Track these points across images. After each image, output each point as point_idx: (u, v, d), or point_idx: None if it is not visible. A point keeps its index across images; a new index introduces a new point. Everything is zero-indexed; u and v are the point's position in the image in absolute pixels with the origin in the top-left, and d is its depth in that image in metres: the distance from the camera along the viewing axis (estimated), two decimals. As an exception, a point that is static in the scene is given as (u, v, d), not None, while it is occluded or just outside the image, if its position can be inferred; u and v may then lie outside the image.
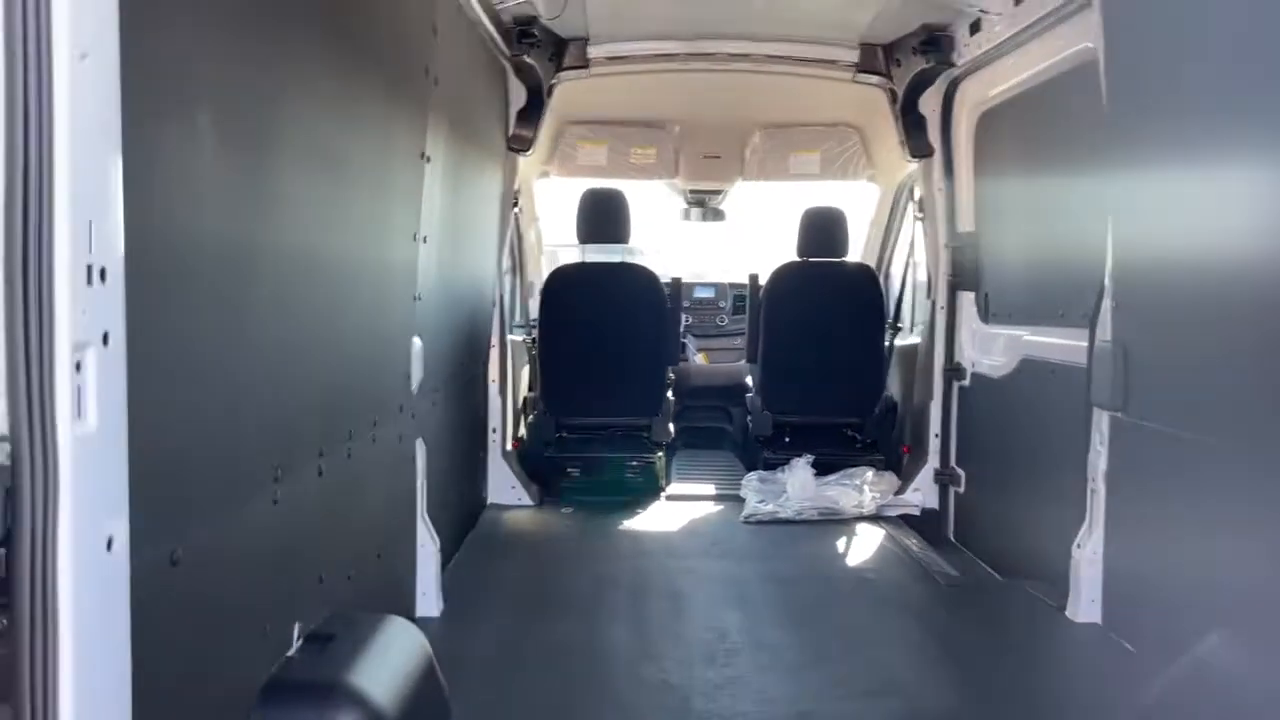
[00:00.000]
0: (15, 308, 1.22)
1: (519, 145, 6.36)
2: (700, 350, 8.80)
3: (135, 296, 1.49)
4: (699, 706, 3.51)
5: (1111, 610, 4.17)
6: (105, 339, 1.36)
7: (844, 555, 5.59)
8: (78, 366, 1.29)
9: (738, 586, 4.84)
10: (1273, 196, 3.20)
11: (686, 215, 8.95)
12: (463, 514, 5.58)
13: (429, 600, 4.29)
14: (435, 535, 4.34)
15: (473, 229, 5.45)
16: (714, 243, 11.06)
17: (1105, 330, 4.20)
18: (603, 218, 6.74)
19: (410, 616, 3.92)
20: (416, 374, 4.06)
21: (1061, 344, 4.75)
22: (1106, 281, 4.20)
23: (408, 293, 3.94)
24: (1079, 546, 4.30)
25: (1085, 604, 4.25)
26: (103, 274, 1.35)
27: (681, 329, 8.21)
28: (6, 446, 1.25)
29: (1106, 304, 4.20)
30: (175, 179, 1.81)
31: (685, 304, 8.64)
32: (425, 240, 4.11)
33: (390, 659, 2.73)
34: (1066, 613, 4.30)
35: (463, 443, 5.55)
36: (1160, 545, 3.88)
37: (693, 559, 5.30)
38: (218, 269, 2.09)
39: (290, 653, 2.62)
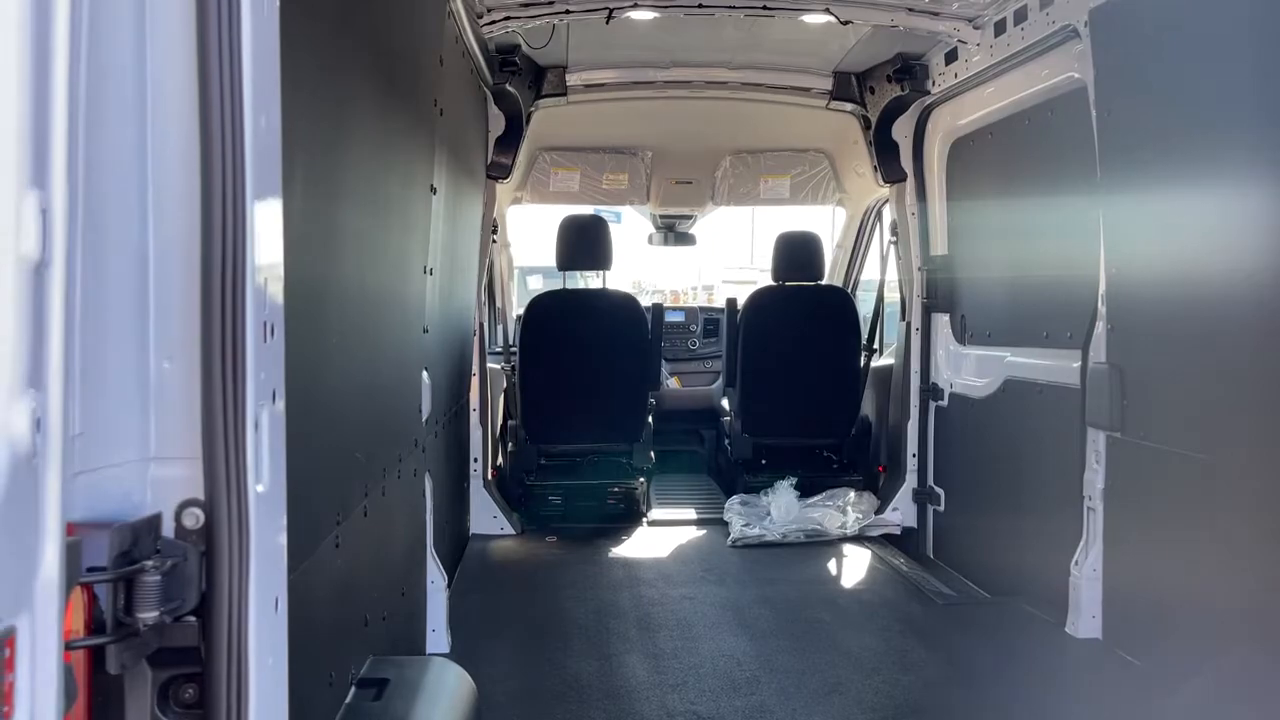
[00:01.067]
0: (213, 367, 1.17)
1: (497, 172, 6.33)
2: (673, 374, 8.79)
3: None
4: None
5: (1112, 625, 4.27)
6: (273, 396, 1.33)
7: (837, 577, 5.64)
8: (255, 425, 1.26)
9: (740, 612, 4.85)
10: (1265, 219, 3.34)
11: (651, 240, 8.97)
12: (454, 546, 5.50)
13: (439, 637, 4.21)
14: (443, 571, 4.27)
15: (460, 258, 5.41)
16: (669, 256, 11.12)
17: (1099, 352, 4.32)
18: (583, 244, 6.70)
19: (421, 655, 3.85)
20: (426, 407, 4.01)
21: (1048, 365, 4.85)
22: (1100, 305, 4.32)
23: (418, 326, 3.90)
24: (1077, 564, 4.40)
25: (1086, 620, 4.35)
26: (272, 330, 1.31)
27: None
28: (197, 511, 1.21)
29: (1100, 327, 4.32)
30: (289, 230, 1.78)
31: None
32: (432, 272, 4.07)
33: (445, 701, 2.68)
34: (1067, 629, 4.39)
35: (453, 474, 5.49)
36: (1158, 561, 3.99)
37: (689, 585, 5.29)
38: (306, 316, 2.05)
39: (348, 699, 2.56)
